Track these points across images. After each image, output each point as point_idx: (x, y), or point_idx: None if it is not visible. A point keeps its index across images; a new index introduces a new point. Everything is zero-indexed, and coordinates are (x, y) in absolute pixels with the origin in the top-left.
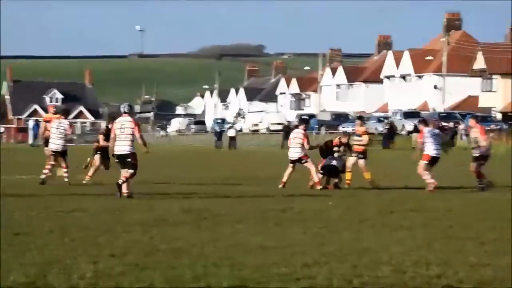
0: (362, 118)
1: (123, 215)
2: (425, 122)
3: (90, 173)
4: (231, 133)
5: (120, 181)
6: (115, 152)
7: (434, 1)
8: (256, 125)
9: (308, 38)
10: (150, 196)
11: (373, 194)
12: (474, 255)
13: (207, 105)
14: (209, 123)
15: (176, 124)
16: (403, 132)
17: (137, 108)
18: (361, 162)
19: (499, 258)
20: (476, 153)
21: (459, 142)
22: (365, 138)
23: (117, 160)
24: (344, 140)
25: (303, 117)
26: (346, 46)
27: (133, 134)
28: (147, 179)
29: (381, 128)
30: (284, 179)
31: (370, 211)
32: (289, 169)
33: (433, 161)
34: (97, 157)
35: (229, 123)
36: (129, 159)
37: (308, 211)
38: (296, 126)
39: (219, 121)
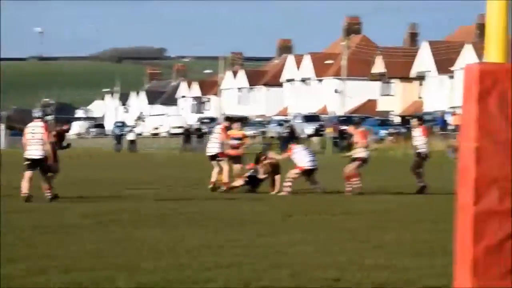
0: (242, 120)
1: (20, 219)
2: (296, 140)
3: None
4: (130, 136)
5: (49, 196)
6: (27, 156)
7: (334, 1)
8: (157, 128)
9: (210, 42)
10: (49, 200)
11: (276, 198)
12: (372, 257)
13: (107, 109)
14: (109, 126)
15: (75, 128)
16: (303, 136)
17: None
18: (237, 167)
19: (396, 260)
20: (362, 154)
21: None
22: (246, 141)
23: (29, 163)
24: (266, 167)
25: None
26: (247, 49)
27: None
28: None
29: (281, 131)
30: (213, 179)
31: (271, 214)
32: (216, 168)
33: (307, 172)
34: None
35: (129, 126)
36: (43, 163)
37: (208, 213)
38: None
39: (119, 124)
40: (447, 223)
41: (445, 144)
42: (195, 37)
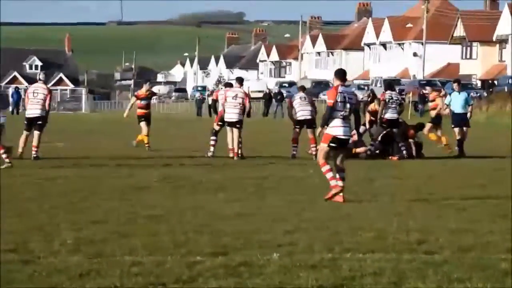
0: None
1: (102, 182)
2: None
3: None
4: (210, 100)
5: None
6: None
7: None
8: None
9: (288, 6)
10: (129, 163)
11: (353, 162)
12: (454, 221)
13: (187, 73)
14: (190, 90)
15: (156, 92)
16: None
17: (117, 75)
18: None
19: (479, 224)
20: None
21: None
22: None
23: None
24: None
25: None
26: (326, 13)
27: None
28: (125, 147)
29: (361, 96)
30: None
31: (350, 178)
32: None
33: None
34: None
35: (209, 91)
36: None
37: (287, 178)
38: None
39: (199, 88)
40: None
41: None
42: (274, 1)
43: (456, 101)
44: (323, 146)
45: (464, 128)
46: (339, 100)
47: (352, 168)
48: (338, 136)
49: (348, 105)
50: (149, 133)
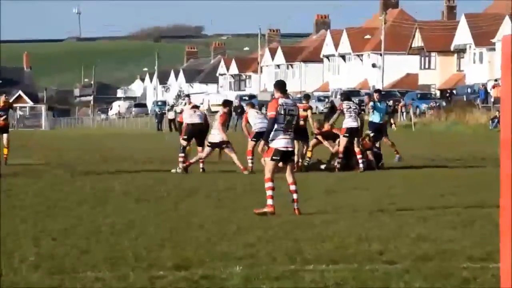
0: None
1: (63, 195)
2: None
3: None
4: (171, 115)
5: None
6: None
7: None
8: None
9: (247, 19)
10: (91, 176)
11: (315, 174)
12: (416, 230)
13: (147, 88)
14: (150, 105)
15: (116, 107)
16: None
17: (76, 92)
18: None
19: (440, 233)
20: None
21: (399, 120)
22: None
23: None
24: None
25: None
26: (285, 26)
27: None
28: (89, 160)
29: (321, 107)
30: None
31: (312, 190)
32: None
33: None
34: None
35: (169, 105)
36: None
37: (251, 190)
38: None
39: (159, 103)
40: (491, 192)
41: (487, 117)
42: (233, 14)
43: (376, 111)
44: (267, 161)
45: (383, 138)
46: (280, 112)
47: (314, 179)
48: (280, 148)
49: (288, 117)
50: (9, 145)
